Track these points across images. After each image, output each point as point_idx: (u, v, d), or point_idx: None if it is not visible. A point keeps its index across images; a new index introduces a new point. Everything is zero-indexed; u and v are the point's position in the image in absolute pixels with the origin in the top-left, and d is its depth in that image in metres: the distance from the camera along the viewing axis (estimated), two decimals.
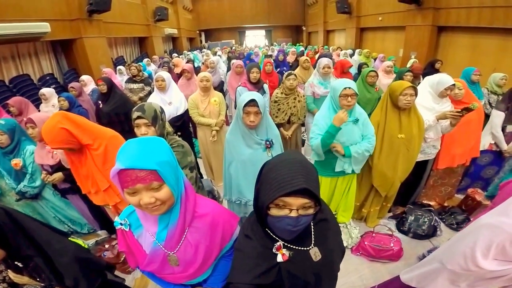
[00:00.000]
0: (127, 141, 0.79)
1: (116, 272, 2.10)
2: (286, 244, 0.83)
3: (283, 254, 0.81)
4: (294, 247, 0.83)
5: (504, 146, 2.51)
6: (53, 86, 5.27)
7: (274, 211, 0.73)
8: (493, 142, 2.57)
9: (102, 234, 2.48)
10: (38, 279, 1.15)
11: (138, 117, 1.40)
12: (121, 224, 0.91)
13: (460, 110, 1.93)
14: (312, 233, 0.87)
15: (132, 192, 0.75)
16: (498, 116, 2.47)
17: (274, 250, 0.81)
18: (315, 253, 0.85)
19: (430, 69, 4.55)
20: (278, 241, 0.82)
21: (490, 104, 3.03)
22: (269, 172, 0.74)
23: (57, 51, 6.32)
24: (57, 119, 1.45)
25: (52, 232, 1.28)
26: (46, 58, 5.99)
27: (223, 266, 1.02)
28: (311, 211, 0.74)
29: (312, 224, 0.87)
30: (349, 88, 1.74)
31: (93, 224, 2.51)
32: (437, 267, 1.21)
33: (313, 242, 0.86)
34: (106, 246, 2.22)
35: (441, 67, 4.59)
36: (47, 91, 3.64)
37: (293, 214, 0.72)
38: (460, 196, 2.73)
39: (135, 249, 0.92)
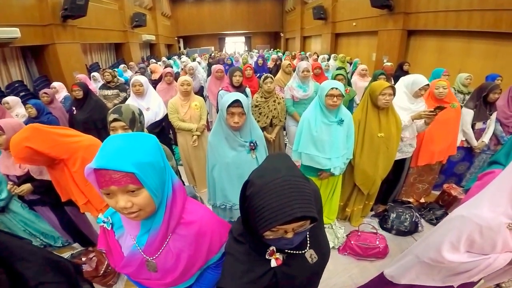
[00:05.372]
0: (109, 137, 0.73)
1: (97, 286, 1.99)
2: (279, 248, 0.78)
3: (276, 259, 0.77)
4: (288, 251, 0.79)
5: (474, 143, 2.64)
6: (23, 93, 5.03)
7: (268, 234, 0.68)
8: (464, 139, 2.68)
9: (78, 246, 2.35)
10: None
11: (115, 120, 1.33)
12: (103, 222, 0.86)
13: (433, 109, 2.02)
14: (307, 236, 0.83)
15: (107, 194, 0.69)
16: (468, 114, 2.59)
17: (267, 256, 0.77)
18: (311, 255, 0.82)
19: (400, 71, 4.75)
20: (271, 245, 0.77)
21: None
22: (256, 197, 0.66)
23: (27, 57, 6.01)
24: (25, 134, 1.34)
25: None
26: (15, 65, 5.67)
27: (208, 277, 0.98)
28: (307, 227, 0.69)
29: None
30: (336, 88, 1.80)
31: (65, 237, 2.36)
32: (411, 260, 1.23)
33: (308, 244, 0.83)
34: (83, 259, 2.07)
35: (411, 69, 4.81)
36: (11, 100, 3.45)
37: (289, 235, 0.68)
38: (436, 192, 2.83)
39: (114, 249, 0.88)
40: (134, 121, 1.37)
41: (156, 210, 0.77)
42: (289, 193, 0.63)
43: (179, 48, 18.30)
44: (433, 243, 1.09)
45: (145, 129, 2.60)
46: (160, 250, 0.83)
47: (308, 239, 0.83)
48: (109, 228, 0.86)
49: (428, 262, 1.11)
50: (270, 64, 7.06)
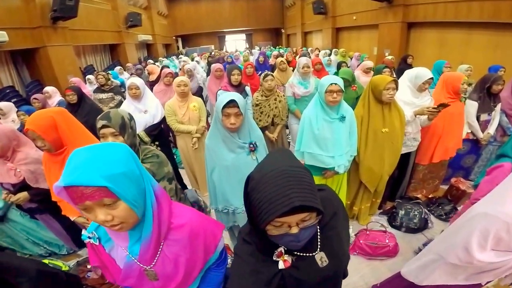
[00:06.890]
0: (74, 151, 0.66)
1: None
2: (288, 249, 0.74)
3: (284, 261, 0.74)
4: (297, 253, 0.75)
5: (480, 135, 2.60)
6: (14, 99, 4.92)
7: (272, 231, 0.65)
8: (469, 131, 2.64)
9: (84, 254, 2.30)
10: None
11: (104, 126, 1.25)
12: (89, 237, 0.82)
13: (436, 106, 1.98)
14: (318, 237, 0.78)
15: (84, 209, 0.65)
16: (472, 106, 2.54)
17: (274, 257, 0.74)
18: (321, 258, 0.77)
19: (404, 64, 4.70)
20: (280, 246, 0.74)
21: None
22: (255, 191, 0.64)
23: (18, 61, 5.87)
24: (56, 109, 1.57)
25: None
26: (5, 70, 5.53)
27: (212, 278, 0.97)
28: (313, 221, 0.65)
29: (318, 227, 0.78)
30: (335, 84, 1.74)
31: (68, 243, 2.31)
32: (434, 260, 1.19)
33: (318, 247, 0.78)
34: (89, 266, 2.04)
35: (412, 62, 4.75)
36: (5, 106, 3.36)
37: (294, 230, 0.63)
38: (444, 187, 2.76)
39: (109, 263, 0.85)
40: (125, 127, 1.28)
41: (141, 219, 0.74)
42: (285, 182, 0.60)
43: (178, 47, 18.13)
44: (460, 242, 1.04)
45: (144, 133, 2.59)
46: (156, 258, 0.81)
47: (319, 240, 0.78)
48: (97, 243, 0.82)
49: (456, 262, 1.07)
50: (271, 61, 6.94)
